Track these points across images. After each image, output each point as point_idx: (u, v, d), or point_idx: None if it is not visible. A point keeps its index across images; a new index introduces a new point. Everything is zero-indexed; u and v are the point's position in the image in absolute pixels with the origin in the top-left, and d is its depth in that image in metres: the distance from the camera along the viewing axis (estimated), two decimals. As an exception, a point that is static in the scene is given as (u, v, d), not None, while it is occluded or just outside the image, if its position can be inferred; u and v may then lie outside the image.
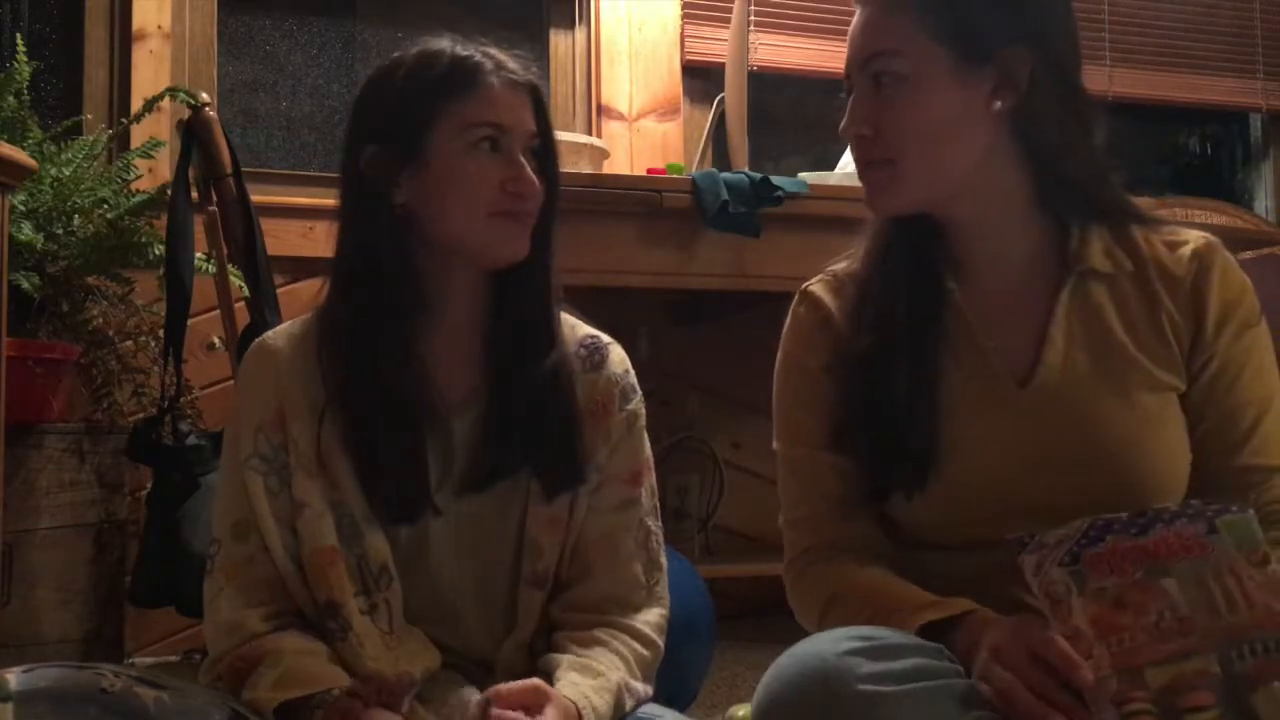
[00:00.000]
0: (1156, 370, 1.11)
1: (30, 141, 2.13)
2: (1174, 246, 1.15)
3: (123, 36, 2.68)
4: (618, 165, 2.88)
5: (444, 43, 1.16)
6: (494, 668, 1.15)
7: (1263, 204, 3.70)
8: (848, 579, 1.12)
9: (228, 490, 1.15)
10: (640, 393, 1.25)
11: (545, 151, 1.18)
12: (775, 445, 1.23)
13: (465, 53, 1.15)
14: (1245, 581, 0.85)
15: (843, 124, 1.13)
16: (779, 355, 1.24)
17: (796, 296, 1.25)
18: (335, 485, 1.12)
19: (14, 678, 0.90)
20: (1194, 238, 1.16)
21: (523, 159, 1.14)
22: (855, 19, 1.13)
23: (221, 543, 1.13)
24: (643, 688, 1.13)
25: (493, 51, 1.16)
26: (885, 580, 1.09)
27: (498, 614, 1.17)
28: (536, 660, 1.14)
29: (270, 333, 1.19)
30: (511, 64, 1.16)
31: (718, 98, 2.95)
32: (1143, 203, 1.23)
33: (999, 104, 1.09)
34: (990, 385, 1.12)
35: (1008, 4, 1.09)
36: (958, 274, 1.16)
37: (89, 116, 2.53)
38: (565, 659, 1.10)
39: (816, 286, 1.23)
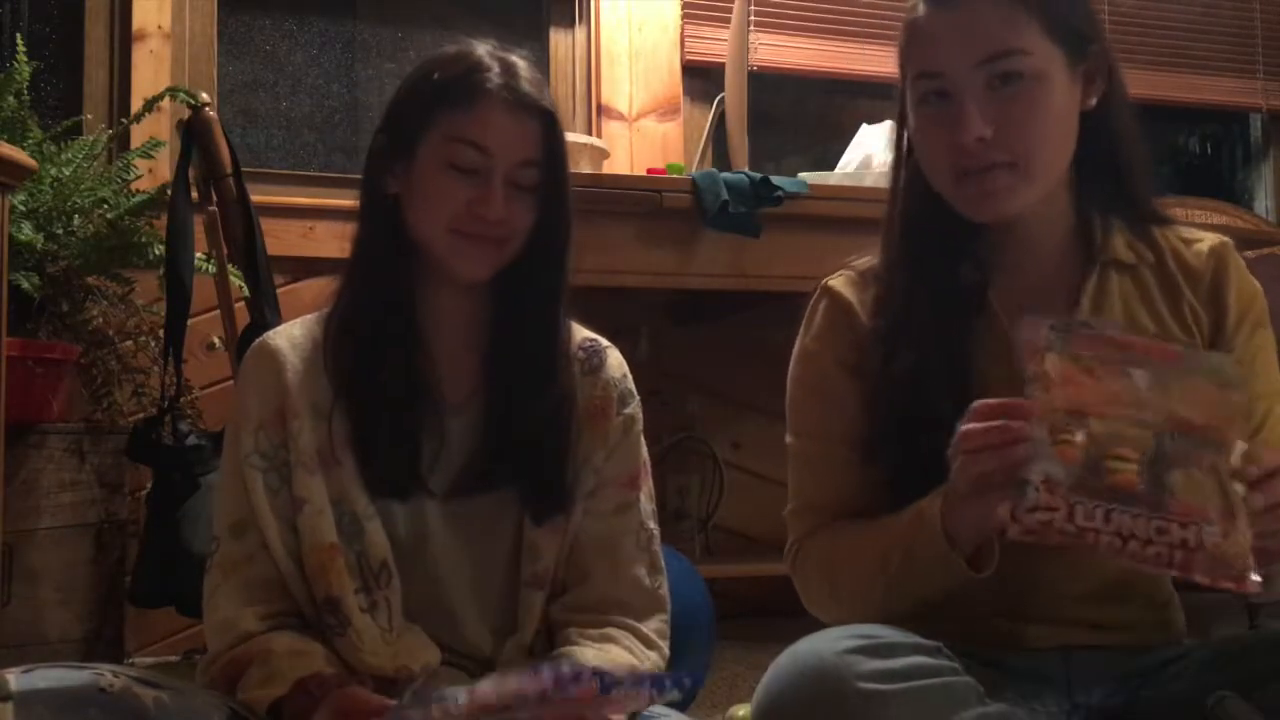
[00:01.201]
0: None
1: (30, 141, 2.13)
2: (1189, 243, 1.18)
3: (123, 36, 2.68)
4: (618, 165, 2.88)
5: (476, 48, 1.15)
6: (494, 669, 1.15)
7: (1263, 204, 3.70)
8: (843, 531, 1.13)
9: (227, 489, 1.15)
10: (638, 397, 1.25)
11: (548, 181, 1.14)
12: (788, 438, 1.22)
13: (483, 63, 1.13)
14: (1202, 392, 0.92)
15: (954, 128, 1.05)
16: (796, 350, 1.23)
17: (817, 292, 1.23)
18: (338, 481, 1.12)
19: (13, 678, 0.89)
20: (1209, 236, 1.19)
21: (499, 185, 1.11)
22: (943, 17, 1.07)
23: (220, 540, 1.14)
24: None
25: (515, 66, 1.14)
26: (880, 520, 1.10)
27: (497, 615, 1.17)
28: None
29: (271, 333, 1.20)
30: (525, 85, 1.13)
31: (718, 98, 2.95)
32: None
33: (1093, 100, 1.10)
34: (1019, 378, 1.13)
35: (1089, 1, 1.11)
36: (990, 268, 1.15)
37: (89, 116, 2.53)
38: (577, 648, 1.11)
39: (838, 282, 1.22)
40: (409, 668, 1.09)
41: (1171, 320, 1.14)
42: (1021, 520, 0.87)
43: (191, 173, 2.13)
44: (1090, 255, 1.15)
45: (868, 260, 1.22)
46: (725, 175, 2.33)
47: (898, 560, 1.04)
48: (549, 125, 1.14)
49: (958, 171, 1.09)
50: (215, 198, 2.13)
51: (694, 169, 2.78)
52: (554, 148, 1.14)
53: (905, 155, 1.18)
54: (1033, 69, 1.06)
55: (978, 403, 0.94)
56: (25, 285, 1.98)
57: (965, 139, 1.06)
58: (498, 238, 1.13)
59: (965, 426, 0.94)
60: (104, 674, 0.94)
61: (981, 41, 1.06)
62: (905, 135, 1.17)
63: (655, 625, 1.18)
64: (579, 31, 3.07)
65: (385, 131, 1.17)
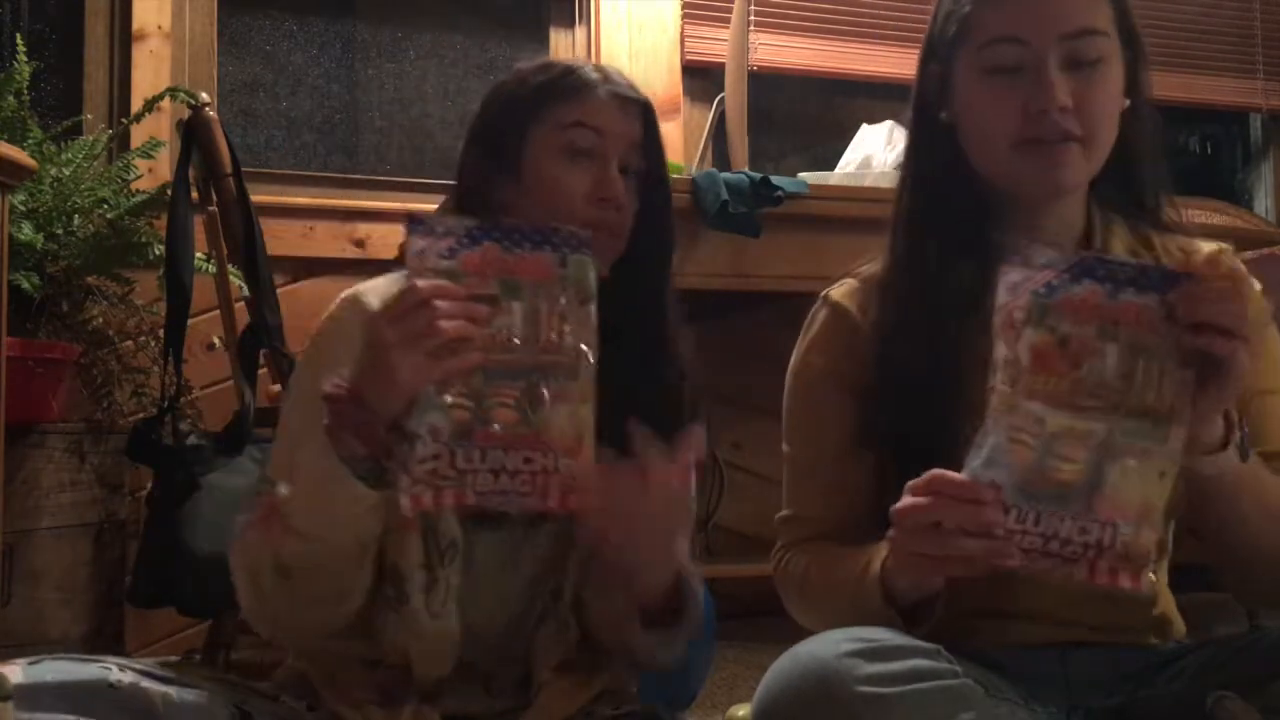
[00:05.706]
0: None
1: (30, 141, 2.14)
2: (1188, 250, 1.17)
3: (123, 36, 2.68)
4: (618, 165, 2.88)
5: (561, 58, 1.16)
6: (530, 667, 1.14)
7: (1263, 204, 3.70)
8: (822, 554, 1.14)
9: (296, 430, 1.08)
10: None
11: (651, 174, 1.15)
12: (785, 447, 1.22)
13: (575, 64, 1.15)
14: (1168, 371, 0.88)
15: (1038, 96, 1.06)
16: (796, 361, 1.22)
17: (819, 302, 1.22)
18: None
19: (19, 670, 0.89)
20: (1208, 245, 1.18)
21: (615, 167, 1.11)
22: None
23: (275, 485, 1.05)
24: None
25: (607, 68, 1.16)
26: (850, 551, 1.09)
27: (536, 602, 1.14)
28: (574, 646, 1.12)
29: (363, 285, 1.15)
30: (621, 80, 1.15)
31: (718, 98, 2.96)
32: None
33: (1127, 101, 1.11)
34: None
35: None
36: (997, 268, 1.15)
37: (89, 116, 2.53)
38: None
39: (839, 292, 1.21)
40: (429, 674, 1.07)
41: None
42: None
43: (191, 173, 2.13)
44: None
45: (870, 267, 1.21)
46: (725, 175, 2.34)
47: (851, 602, 1.06)
48: (649, 115, 1.16)
49: (1026, 141, 1.08)
50: (215, 198, 2.14)
51: (694, 169, 2.79)
52: (655, 136, 1.16)
53: (925, 146, 1.16)
54: (1104, 53, 1.08)
55: (928, 477, 0.93)
56: (25, 285, 1.98)
57: (1049, 105, 1.06)
58: (615, 225, 1.12)
59: (903, 504, 0.94)
60: (112, 668, 0.93)
61: (1069, 14, 1.07)
62: (924, 126, 1.15)
63: None
64: (579, 31, 3.07)
65: (478, 144, 1.16)
